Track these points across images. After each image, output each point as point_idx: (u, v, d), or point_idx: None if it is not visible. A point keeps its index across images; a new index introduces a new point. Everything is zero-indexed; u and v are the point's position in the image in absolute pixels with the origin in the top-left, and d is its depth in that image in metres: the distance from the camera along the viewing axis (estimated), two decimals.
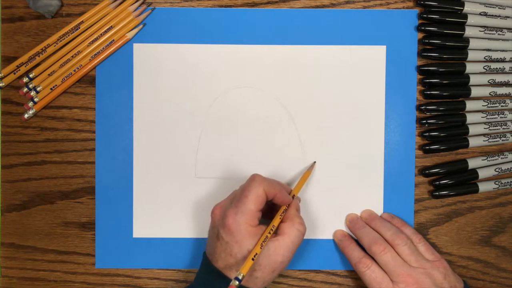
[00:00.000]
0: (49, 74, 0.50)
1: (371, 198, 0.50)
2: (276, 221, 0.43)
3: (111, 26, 0.50)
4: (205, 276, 0.43)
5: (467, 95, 0.50)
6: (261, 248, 0.41)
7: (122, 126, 0.51)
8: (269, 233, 0.42)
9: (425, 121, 0.50)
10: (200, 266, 0.45)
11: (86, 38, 0.50)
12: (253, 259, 0.40)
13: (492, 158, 0.50)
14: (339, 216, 0.50)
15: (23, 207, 0.51)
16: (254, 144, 0.50)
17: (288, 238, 0.43)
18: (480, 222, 0.51)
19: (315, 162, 0.50)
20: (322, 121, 0.50)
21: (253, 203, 0.42)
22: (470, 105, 0.50)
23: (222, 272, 0.42)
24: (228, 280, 0.41)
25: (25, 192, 0.51)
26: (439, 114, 0.50)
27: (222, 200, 0.45)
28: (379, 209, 0.50)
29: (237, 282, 0.39)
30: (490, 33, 0.49)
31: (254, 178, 0.43)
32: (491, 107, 0.50)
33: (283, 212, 0.44)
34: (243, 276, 0.39)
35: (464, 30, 0.49)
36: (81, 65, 0.50)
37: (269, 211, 0.46)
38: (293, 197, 0.46)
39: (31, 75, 0.50)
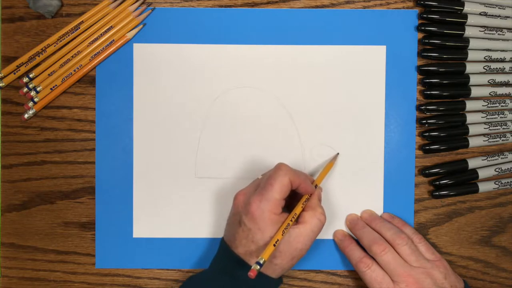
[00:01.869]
0: (49, 74, 0.50)
1: (371, 198, 0.50)
2: (298, 210, 0.44)
3: (111, 26, 0.50)
4: (224, 261, 0.44)
5: (467, 95, 0.50)
6: (282, 235, 0.41)
7: (122, 126, 0.51)
8: (291, 220, 0.43)
9: (425, 121, 0.50)
10: (218, 252, 0.45)
11: (86, 38, 0.50)
12: (274, 245, 0.41)
13: (492, 158, 0.50)
14: (339, 216, 0.50)
15: (23, 207, 0.51)
16: (254, 144, 0.50)
17: (309, 226, 0.43)
18: (480, 222, 0.51)
19: (338, 153, 0.50)
20: (322, 121, 0.50)
21: (278, 192, 0.42)
22: (470, 105, 0.50)
23: (243, 258, 0.42)
24: (248, 266, 0.41)
25: (25, 192, 0.51)
26: (439, 114, 0.50)
27: (245, 187, 0.45)
28: (379, 209, 0.50)
29: (258, 267, 0.39)
30: (490, 33, 0.49)
31: (280, 167, 0.44)
32: (491, 107, 0.50)
33: (306, 201, 0.45)
34: (264, 261, 0.39)
35: (464, 30, 0.49)
36: (81, 65, 0.50)
37: (290, 200, 0.46)
38: (315, 187, 0.46)
39: (31, 75, 0.50)
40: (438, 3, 0.49)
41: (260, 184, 0.44)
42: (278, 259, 0.43)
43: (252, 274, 0.39)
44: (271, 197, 0.42)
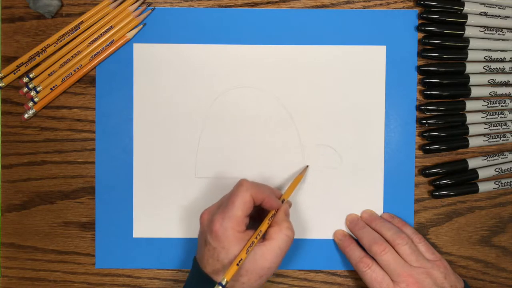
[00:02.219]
0: (49, 74, 0.50)
1: (371, 198, 0.50)
2: (263, 226, 0.43)
3: (111, 26, 0.50)
4: (195, 280, 0.43)
5: (467, 95, 0.50)
6: (246, 253, 0.41)
7: (122, 126, 0.51)
8: (256, 238, 0.42)
9: (425, 121, 0.50)
10: (191, 270, 0.45)
11: (86, 38, 0.50)
12: (238, 264, 0.40)
13: (492, 158, 0.50)
14: (339, 216, 0.50)
15: (23, 207, 0.51)
16: (254, 144, 0.50)
17: (275, 243, 0.42)
18: (480, 222, 0.51)
19: (307, 166, 0.50)
20: (322, 121, 0.50)
21: (239, 209, 0.42)
22: (470, 105, 0.50)
23: (211, 277, 0.41)
24: (215, 284, 0.40)
25: (25, 192, 0.51)
26: (439, 114, 0.50)
27: (211, 205, 0.45)
28: (379, 209, 0.50)
29: (220, 287, 0.39)
30: (490, 33, 0.49)
31: (241, 183, 0.43)
32: (491, 107, 0.50)
33: (272, 217, 0.44)
34: (227, 282, 0.39)
35: (464, 30, 0.49)
36: (81, 65, 0.50)
37: (260, 216, 0.45)
38: (282, 201, 0.46)
39: (31, 75, 0.50)
40: (438, 3, 0.49)
41: (224, 202, 0.44)
42: (245, 277, 0.41)
43: None
44: (233, 215, 0.41)
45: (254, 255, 0.42)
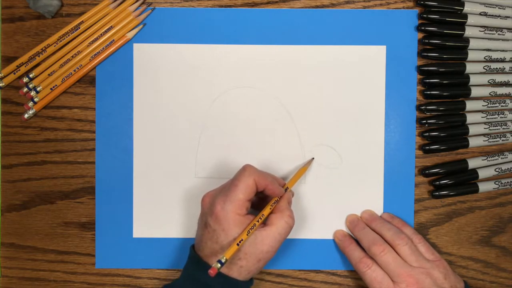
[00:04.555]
0: (49, 74, 0.50)
1: (371, 198, 0.50)
2: (266, 211, 0.43)
3: (111, 26, 0.50)
4: (191, 268, 0.44)
5: (467, 95, 0.50)
6: (247, 235, 0.41)
7: (122, 126, 0.51)
8: (257, 221, 0.42)
9: (425, 121, 0.50)
10: (187, 259, 0.45)
11: (86, 38, 0.50)
12: (238, 244, 0.40)
13: (492, 158, 0.50)
14: (339, 216, 0.50)
15: (23, 207, 0.51)
16: (254, 144, 0.50)
17: (276, 229, 0.43)
18: (480, 222, 0.51)
19: (313, 158, 0.50)
20: (322, 121, 0.50)
21: (242, 192, 0.42)
22: (470, 105, 0.50)
23: (206, 261, 0.42)
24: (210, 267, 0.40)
25: (25, 192, 0.51)
26: (439, 114, 0.50)
27: (212, 189, 0.45)
28: (379, 209, 0.50)
29: (219, 265, 0.39)
30: (490, 33, 0.49)
31: (245, 168, 0.44)
32: (491, 107, 0.50)
33: (274, 203, 0.44)
34: (226, 260, 0.39)
35: (464, 30, 0.49)
36: (81, 65, 0.50)
37: (262, 203, 0.46)
38: (286, 190, 0.46)
39: (31, 75, 0.50)
40: (438, 3, 0.49)
41: (226, 186, 0.44)
42: (243, 260, 0.42)
43: (212, 272, 0.39)
44: (235, 198, 0.42)
45: (254, 239, 0.42)
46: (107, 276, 0.51)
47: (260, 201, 0.46)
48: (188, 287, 0.43)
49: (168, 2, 0.51)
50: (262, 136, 0.50)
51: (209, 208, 0.43)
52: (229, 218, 0.42)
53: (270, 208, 0.44)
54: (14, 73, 0.50)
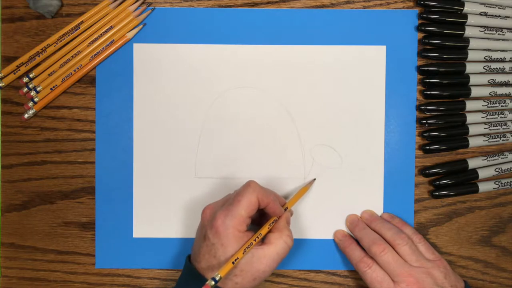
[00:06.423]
0: (49, 74, 0.50)
1: (371, 198, 0.50)
2: (264, 230, 0.43)
3: (111, 26, 0.50)
4: (186, 279, 0.43)
5: (467, 95, 0.50)
6: (243, 253, 0.41)
7: (122, 126, 0.51)
8: (255, 240, 0.42)
9: (425, 121, 0.50)
10: (183, 269, 0.45)
11: (86, 38, 0.50)
12: (233, 262, 0.40)
13: (492, 158, 0.50)
14: (339, 216, 0.50)
15: (23, 207, 0.51)
16: (254, 144, 0.50)
17: (274, 248, 0.43)
18: (480, 222, 0.51)
19: (314, 179, 0.50)
20: (322, 121, 0.50)
21: (244, 209, 0.42)
22: (470, 105, 0.50)
23: (203, 275, 0.42)
24: (206, 281, 0.40)
25: (25, 192, 0.51)
26: (439, 114, 0.50)
27: (214, 202, 0.45)
28: (379, 209, 0.50)
29: (213, 282, 0.39)
30: (490, 33, 0.49)
31: (249, 184, 0.43)
32: (491, 107, 0.50)
33: (273, 222, 0.44)
34: (220, 278, 0.39)
35: (464, 30, 0.49)
36: (81, 65, 0.50)
37: (260, 220, 0.46)
38: (285, 210, 0.46)
39: (31, 75, 0.50)
40: (438, 3, 0.49)
41: (228, 200, 0.44)
42: (239, 277, 0.42)
43: None
44: (236, 214, 0.42)
45: (252, 257, 0.42)
46: (107, 276, 0.51)
47: (259, 216, 0.46)
48: None
49: (168, 2, 0.51)
50: (262, 136, 0.50)
51: (209, 221, 0.43)
52: (229, 234, 0.41)
53: (268, 228, 0.44)
54: (14, 73, 0.50)
